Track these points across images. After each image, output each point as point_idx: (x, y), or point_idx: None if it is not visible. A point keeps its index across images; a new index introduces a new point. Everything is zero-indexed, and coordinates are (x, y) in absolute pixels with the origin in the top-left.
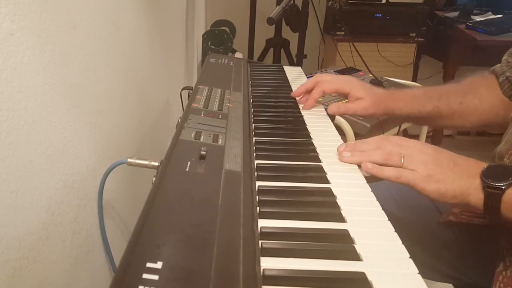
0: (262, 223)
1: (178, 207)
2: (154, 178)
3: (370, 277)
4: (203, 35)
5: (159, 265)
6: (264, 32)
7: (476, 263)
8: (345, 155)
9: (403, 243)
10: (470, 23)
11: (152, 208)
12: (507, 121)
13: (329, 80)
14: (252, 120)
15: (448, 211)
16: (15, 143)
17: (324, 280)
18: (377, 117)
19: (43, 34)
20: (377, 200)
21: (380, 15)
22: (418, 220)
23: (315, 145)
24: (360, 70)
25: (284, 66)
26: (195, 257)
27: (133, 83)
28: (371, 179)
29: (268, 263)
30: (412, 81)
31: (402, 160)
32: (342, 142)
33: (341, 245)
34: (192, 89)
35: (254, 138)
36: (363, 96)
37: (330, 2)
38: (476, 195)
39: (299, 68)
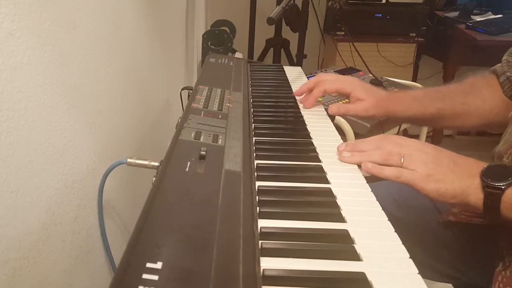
0: (262, 223)
1: (178, 207)
2: (154, 178)
3: (370, 277)
4: (203, 35)
5: (159, 265)
6: (264, 32)
7: (476, 263)
8: (345, 155)
9: (403, 243)
10: (470, 23)
11: (152, 208)
12: (507, 121)
13: (330, 80)
14: (252, 120)
15: (447, 211)
16: (15, 143)
17: (324, 280)
18: (377, 118)
19: (43, 34)
20: (377, 200)
21: (380, 15)
22: (417, 220)
23: (315, 145)
24: (360, 70)
25: (284, 66)
26: (195, 257)
27: (133, 83)
28: (371, 179)
29: (268, 263)
30: (412, 81)
31: (402, 160)
32: (342, 142)
33: (341, 245)
34: (192, 89)
35: (254, 138)
36: (364, 97)
37: (330, 2)
38: (475, 195)
39: (299, 68)
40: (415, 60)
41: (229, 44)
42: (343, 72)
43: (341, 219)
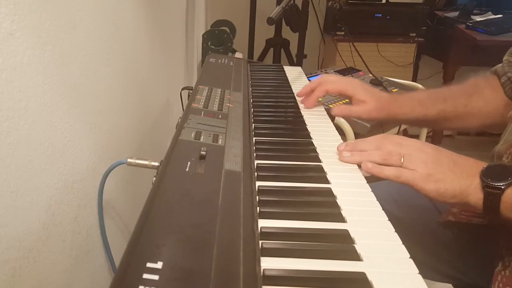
0: (262, 223)
1: (178, 207)
2: (154, 178)
3: (370, 277)
4: (203, 35)
5: (159, 265)
6: (264, 32)
7: (476, 262)
8: (345, 155)
9: (403, 243)
10: (470, 23)
11: (152, 208)
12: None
13: (333, 81)
14: (252, 120)
15: (447, 211)
16: (15, 143)
17: (324, 280)
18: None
19: (43, 34)
20: (377, 200)
21: (380, 15)
22: (417, 220)
23: (315, 145)
24: (360, 70)
25: (284, 66)
26: (195, 257)
27: (133, 83)
28: (371, 179)
29: (268, 263)
30: (412, 81)
31: (402, 160)
32: (342, 142)
33: (341, 245)
34: (192, 89)
35: (254, 138)
36: (367, 99)
37: (330, 2)
38: (475, 195)
39: (299, 68)
40: (415, 60)
41: (229, 44)
42: (343, 72)
43: (341, 219)
